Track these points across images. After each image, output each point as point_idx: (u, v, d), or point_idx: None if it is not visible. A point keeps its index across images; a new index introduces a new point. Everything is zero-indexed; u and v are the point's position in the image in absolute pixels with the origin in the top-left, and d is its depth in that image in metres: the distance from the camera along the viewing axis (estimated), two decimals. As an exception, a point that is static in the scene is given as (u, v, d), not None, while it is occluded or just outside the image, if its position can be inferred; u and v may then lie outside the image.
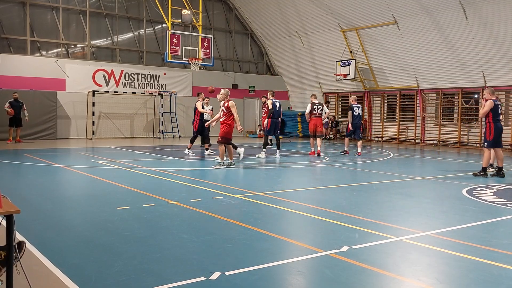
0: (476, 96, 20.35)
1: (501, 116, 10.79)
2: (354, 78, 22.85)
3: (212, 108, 16.68)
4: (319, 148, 14.70)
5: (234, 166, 11.62)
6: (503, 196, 8.04)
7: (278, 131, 14.75)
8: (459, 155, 16.70)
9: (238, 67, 27.90)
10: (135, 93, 22.92)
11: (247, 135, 26.64)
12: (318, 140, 14.79)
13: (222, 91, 11.72)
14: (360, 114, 15.48)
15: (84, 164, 12.37)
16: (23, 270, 3.29)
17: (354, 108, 15.32)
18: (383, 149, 18.78)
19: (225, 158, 11.56)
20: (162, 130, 23.84)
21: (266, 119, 14.34)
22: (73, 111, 21.67)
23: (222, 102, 11.67)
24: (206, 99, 16.42)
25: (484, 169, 10.61)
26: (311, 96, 15.48)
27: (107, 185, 8.80)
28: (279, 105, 14.58)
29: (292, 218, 6.39)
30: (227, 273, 3.99)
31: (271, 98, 14.50)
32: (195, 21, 21.53)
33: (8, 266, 3.09)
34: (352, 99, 15.81)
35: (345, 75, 22.95)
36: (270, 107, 14.21)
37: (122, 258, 4.40)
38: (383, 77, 23.03)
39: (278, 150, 14.37)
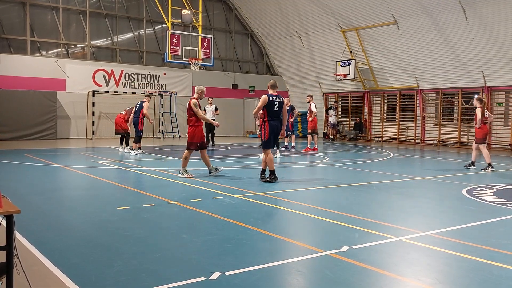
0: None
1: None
2: (354, 78, 22.84)
3: (216, 108, 16.59)
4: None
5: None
6: (503, 196, 8.04)
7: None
8: (459, 155, 16.69)
9: (238, 67, 27.89)
10: (135, 93, 22.89)
11: (247, 135, 26.62)
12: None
13: None
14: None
15: (84, 164, 12.36)
16: (23, 270, 3.28)
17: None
18: (383, 149, 18.77)
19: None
20: (162, 130, 23.84)
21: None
22: (73, 111, 21.66)
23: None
24: (210, 99, 16.41)
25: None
26: (312, 97, 16.99)
27: (107, 185, 8.81)
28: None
29: (292, 218, 6.39)
30: (227, 273, 3.99)
31: None
32: (195, 21, 21.52)
33: (8, 266, 3.09)
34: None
35: (345, 75, 22.94)
36: None
37: (122, 258, 4.40)
38: (383, 77, 23.02)
39: (278, 150, 14.37)
